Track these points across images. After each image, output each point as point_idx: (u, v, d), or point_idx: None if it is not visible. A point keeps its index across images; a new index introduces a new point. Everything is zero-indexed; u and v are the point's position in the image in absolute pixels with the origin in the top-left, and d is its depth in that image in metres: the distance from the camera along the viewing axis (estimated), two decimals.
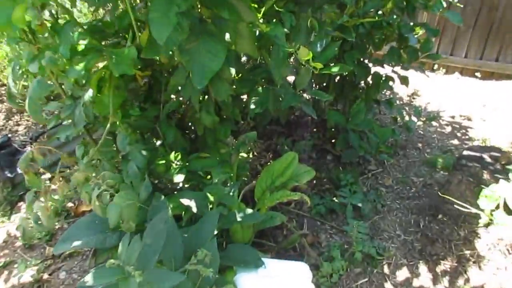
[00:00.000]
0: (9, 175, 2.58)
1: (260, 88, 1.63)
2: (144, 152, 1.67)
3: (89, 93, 1.59)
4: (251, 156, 3.02)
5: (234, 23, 1.27)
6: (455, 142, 3.41)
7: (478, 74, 4.74)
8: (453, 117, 3.87)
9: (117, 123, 1.63)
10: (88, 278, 1.32)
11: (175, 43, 1.16)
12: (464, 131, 3.61)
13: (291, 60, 1.57)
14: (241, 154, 2.38)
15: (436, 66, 4.93)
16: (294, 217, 2.47)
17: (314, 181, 2.77)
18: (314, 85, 3.13)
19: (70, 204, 2.57)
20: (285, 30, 1.26)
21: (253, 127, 3.26)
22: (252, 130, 3.29)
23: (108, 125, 1.59)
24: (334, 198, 2.57)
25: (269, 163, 2.29)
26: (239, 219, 1.74)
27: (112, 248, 1.89)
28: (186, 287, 1.32)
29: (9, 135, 2.95)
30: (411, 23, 2.52)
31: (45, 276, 2.11)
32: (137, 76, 1.73)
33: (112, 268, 1.30)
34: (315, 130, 3.29)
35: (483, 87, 4.55)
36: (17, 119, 3.42)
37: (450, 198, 2.19)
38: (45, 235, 2.32)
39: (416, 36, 2.60)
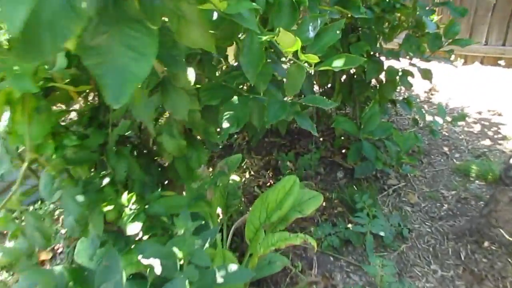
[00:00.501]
0: None
1: (236, 97, 1.16)
2: (80, 198, 1.20)
3: (3, 122, 1.15)
4: (247, 176, 2.54)
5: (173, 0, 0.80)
6: (487, 142, 2.90)
7: (501, 62, 4.22)
8: (480, 113, 3.35)
9: (39, 160, 1.18)
10: None
11: (65, 35, 0.69)
12: (495, 128, 3.09)
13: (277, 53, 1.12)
14: (231, 178, 1.91)
15: (453, 57, 4.42)
16: (300, 253, 1.98)
17: (324, 204, 2.28)
18: (316, 87, 2.66)
19: None
20: (256, 6, 0.78)
21: (248, 141, 2.79)
22: (248, 143, 2.82)
23: (25, 166, 1.14)
24: (349, 226, 2.07)
25: (263, 192, 1.82)
26: (220, 280, 1.27)
27: None
28: None
29: None
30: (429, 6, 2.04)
31: None
32: (71, 92, 1.28)
33: None
34: (321, 140, 2.80)
35: (509, 76, 4.02)
36: None
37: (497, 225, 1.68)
38: None
39: (433, 21, 2.11)
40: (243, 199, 2.25)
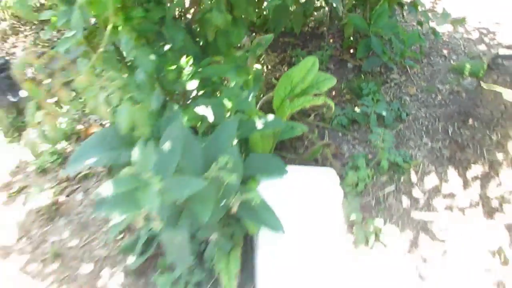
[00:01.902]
0: (12, 99, 2.45)
1: None
2: (152, 57, 1.50)
3: None
4: (265, 69, 2.83)
5: None
6: (483, 48, 3.16)
7: None
8: (480, 22, 3.57)
9: (119, 25, 1.45)
10: (103, 189, 1.22)
11: None
12: (492, 35, 3.33)
13: None
14: (255, 66, 2.20)
15: None
16: (314, 129, 2.34)
17: (334, 92, 2.60)
18: None
19: (79, 127, 2.46)
20: None
21: None
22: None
23: (109, 27, 1.41)
24: (356, 108, 2.41)
25: (287, 71, 2.11)
26: (259, 126, 1.61)
27: (126, 164, 1.80)
28: (208, 195, 1.22)
29: (7, 58, 2.77)
30: None
31: (62, 198, 2.05)
32: None
33: (128, 177, 1.19)
34: (331, 41, 3.05)
35: None
36: (13, 40, 3.21)
37: (490, 87, 1.97)
38: (57, 158, 2.24)
39: None
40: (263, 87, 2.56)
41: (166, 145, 1.24)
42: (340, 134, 2.32)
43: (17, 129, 2.48)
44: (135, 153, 1.20)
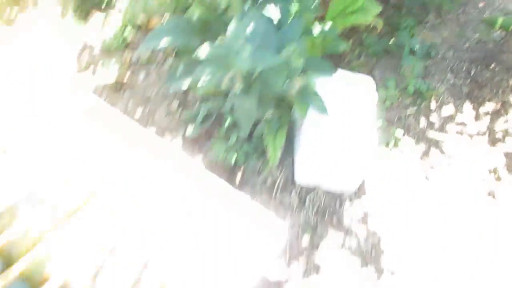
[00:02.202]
0: None
1: None
2: None
3: None
4: None
5: None
6: None
7: None
8: None
9: None
10: (200, 52, 1.50)
11: None
12: None
13: None
14: None
15: None
16: (353, 52, 2.59)
17: (371, 26, 2.82)
18: None
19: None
20: None
21: None
22: None
23: None
24: (392, 40, 2.65)
25: None
26: (316, 32, 1.87)
27: (194, 50, 2.07)
28: (281, 70, 1.52)
29: None
30: None
31: (126, 76, 2.35)
32: None
33: (223, 43, 1.48)
34: None
35: None
36: None
37: None
38: (121, 42, 2.50)
39: None
40: None
41: (252, 25, 1.51)
42: (374, 60, 2.58)
43: (84, 9, 2.72)
44: (231, 25, 1.47)
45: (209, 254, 1.23)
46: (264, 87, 1.56)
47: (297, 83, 1.61)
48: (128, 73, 2.38)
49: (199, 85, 1.53)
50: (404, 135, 2.17)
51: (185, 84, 1.88)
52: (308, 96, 1.71)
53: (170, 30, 2.03)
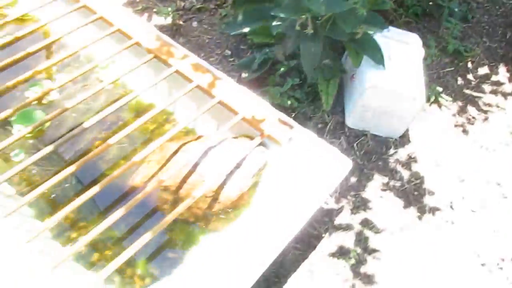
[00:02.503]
0: None
1: None
2: None
3: None
4: None
5: None
6: None
7: None
8: None
9: None
10: None
11: None
12: None
13: None
14: None
15: None
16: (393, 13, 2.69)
17: None
18: None
19: None
20: None
21: None
22: None
23: None
24: (431, 2, 2.74)
25: None
26: None
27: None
28: (350, 16, 1.63)
29: None
30: None
31: (180, 22, 2.44)
32: None
33: None
34: None
35: None
36: None
37: None
38: None
39: None
40: None
41: None
42: (414, 23, 2.68)
43: None
44: None
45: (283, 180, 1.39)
46: (332, 32, 1.68)
47: (360, 31, 1.73)
48: (182, 19, 2.47)
49: (272, 27, 1.65)
50: (442, 92, 2.30)
51: (245, 29, 1.99)
52: (368, 45, 1.83)
53: None
